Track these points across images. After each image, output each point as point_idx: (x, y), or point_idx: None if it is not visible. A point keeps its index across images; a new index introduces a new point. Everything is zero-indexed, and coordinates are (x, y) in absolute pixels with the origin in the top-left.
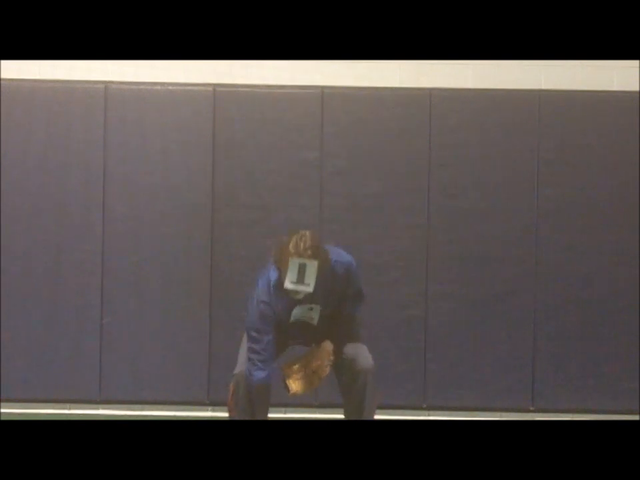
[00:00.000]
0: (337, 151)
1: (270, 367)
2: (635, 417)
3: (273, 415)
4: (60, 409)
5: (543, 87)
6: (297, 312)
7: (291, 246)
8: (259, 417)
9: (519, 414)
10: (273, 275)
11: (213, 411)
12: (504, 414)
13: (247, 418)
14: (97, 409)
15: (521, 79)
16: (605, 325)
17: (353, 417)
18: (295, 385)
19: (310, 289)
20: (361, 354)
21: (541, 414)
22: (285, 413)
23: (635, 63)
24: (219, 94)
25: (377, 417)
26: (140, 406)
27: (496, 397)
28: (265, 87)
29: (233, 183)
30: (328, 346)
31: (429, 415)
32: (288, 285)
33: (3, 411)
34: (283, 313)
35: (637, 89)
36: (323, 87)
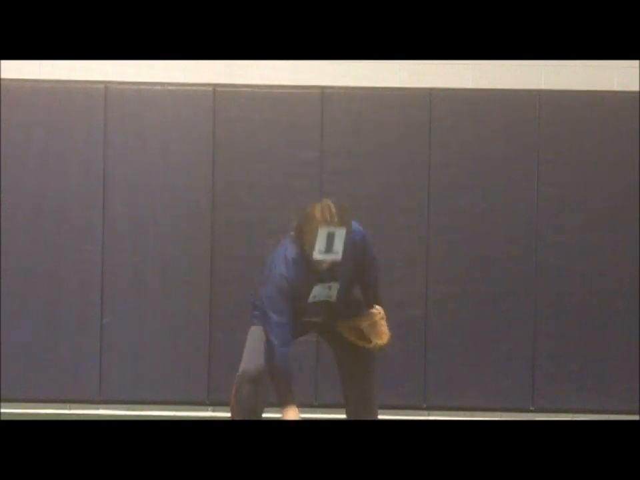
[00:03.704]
0: (337, 150)
1: (288, 348)
2: (635, 417)
3: (273, 415)
4: (60, 409)
5: (543, 87)
6: (316, 290)
7: (318, 214)
8: (259, 417)
9: (519, 414)
10: (291, 249)
11: (213, 410)
12: (504, 414)
13: (247, 418)
14: (97, 409)
15: (520, 79)
16: (605, 325)
17: (361, 407)
18: (376, 338)
19: (339, 256)
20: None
21: (540, 414)
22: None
23: (634, 62)
24: (218, 94)
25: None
26: (140, 406)
27: (496, 397)
28: (265, 87)
29: (232, 183)
30: (372, 310)
31: (428, 415)
32: (317, 255)
33: (2, 411)
34: (302, 289)
35: (637, 89)
36: (323, 87)
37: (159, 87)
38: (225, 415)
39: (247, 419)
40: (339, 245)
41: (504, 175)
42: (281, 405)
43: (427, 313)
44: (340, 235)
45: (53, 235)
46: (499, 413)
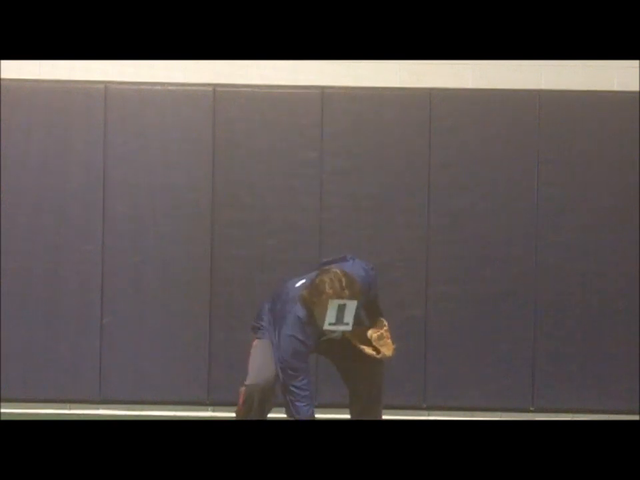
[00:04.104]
0: (337, 150)
1: (313, 402)
2: (635, 417)
3: (273, 415)
4: (60, 409)
5: (543, 87)
6: (327, 334)
7: (327, 288)
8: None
9: (519, 414)
10: (301, 311)
11: (213, 410)
12: (504, 414)
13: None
14: (97, 409)
15: (520, 79)
16: (605, 325)
17: (367, 409)
18: (384, 349)
19: (349, 327)
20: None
21: (540, 414)
22: (285, 412)
23: (634, 62)
24: (218, 94)
25: None
26: (140, 406)
27: (496, 397)
28: (265, 87)
29: (232, 183)
30: (379, 320)
31: (428, 415)
32: (327, 326)
33: (2, 411)
34: (313, 345)
35: (637, 89)
36: (323, 87)
37: (158, 87)
38: (225, 415)
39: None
40: (349, 317)
41: (504, 175)
42: None
43: (427, 312)
44: (351, 307)
45: (52, 235)
46: (499, 413)
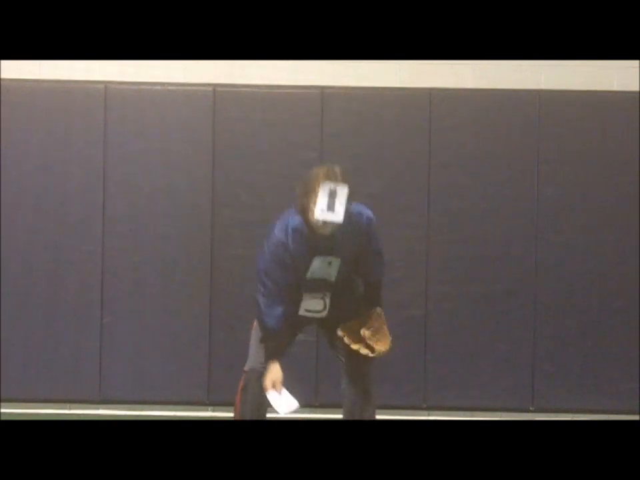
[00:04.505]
0: (337, 150)
1: (279, 309)
2: (635, 417)
3: (273, 415)
4: (60, 409)
5: (543, 87)
6: (315, 265)
7: (320, 172)
8: (263, 410)
9: (519, 414)
10: (292, 219)
11: (213, 410)
12: (504, 414)
13: (252, 416)
14: (97, 409)
15: (520, 79)
16: (605, 325)
17: (356, 408)
18: (379, 345)
19: (340, 218)
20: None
21: (540, 414)
22: None
23: (634, 62)
24: (218, 94)
25: (377, 416)
26: (140, 406)
27: (496, 397)
28: (265, 87)
29: (232, 183)
30: (378, 310)
31: (428, 415)
32: (318, 214)
33: (2, 411)
34: (300, 260)
35: (637, 89)
36: (322, 87)
37: (158, 87)
38: (225, 415)
39: (252, 415)
40: (340, 206)
41: (504, 175)
42: (266, 360)
43: (427, 312)
44: (342, 193)
45: (52, 235)
46: (498, 413)
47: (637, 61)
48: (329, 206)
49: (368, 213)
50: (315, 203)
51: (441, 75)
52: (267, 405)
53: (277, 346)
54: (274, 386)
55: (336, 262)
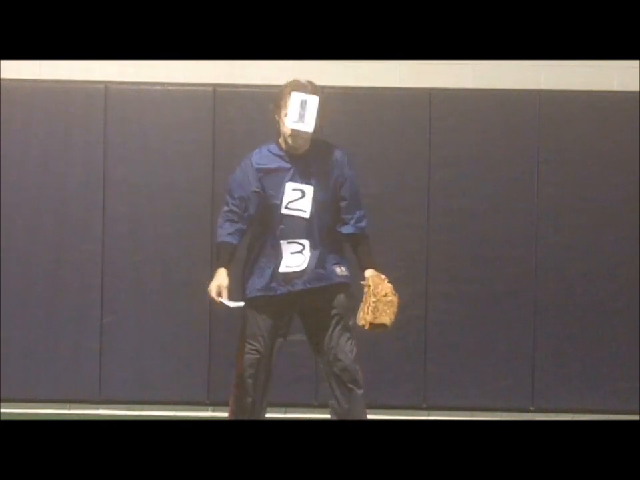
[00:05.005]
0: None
1: (235, 225)
2: (635, 417)
3: (273, 415)
4: (60, 409)
5: (543, 87)
6: (288, 194)
7: (290, 84)
8: (259, 401)
9: (519, 414)
10: (270, 145)
11: (213, 410)
12: (504, 414)
13: (249, 402)
14: (97, 409)
15: (520, 79)
16: (605, 325)
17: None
18: (384, 317)
19: (310, 128)
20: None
21: (540, 414)
22: (285, 412)
23: (634, 62)
24: (219, 94)
25: (377, 417)
26: (140, 406)
27: (496, 397)
28: (264, 87)
29: None
30: (371, 272)
31: (428, 415)
32: (290, 124)
33: (3, 411)
34: (272, 184)
35: (637, 89)
36: (322, 87)
37: (158, 87)
38: (225, 415)
39: (244, 404)
40: (310, 117)
41: (504, 175)
42: (216, 267)
43: (427, 313)
44: (312, 104)
45: (52, 235)
46: (498, 413)
47: (637, 61)
48: (300, 116)
49: (341, 150)
50: (285, 115)
51: (441, 75)
52: (261, 398)
53: (228, 256)
54: (219, 293)
55: (309, 190)
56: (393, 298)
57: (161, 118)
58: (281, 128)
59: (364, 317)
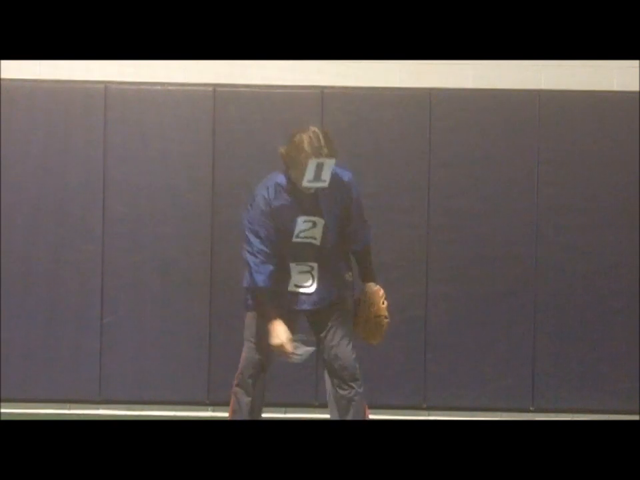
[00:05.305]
0: (336, 150)
1: (269, 266)
2: (635, 417)
3: (272, 415)
4: (60, 409)
5: (543, 87)
6: (300, 225)
7: (306, 145)
8: (257, 401)
9: (519, 414)
10: (275, 177)
11: (213, 410)
12: (504, 414)
13: (247, 402)
14: (97, 409)
15: (520, 79)
16: (605, 325)
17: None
18: (372, 339)
19: (326, 184)
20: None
21: (541, 414)
22: (284, 413)
23: (634, 62)
24: (219, 94)
25: (377, 417)
26: (140, 406)
27: (496, 397)
28: (264, 87)
29: (233, 183)
30: (372, 287)
31: (428, 415)
32: (305, 183)
33: (3, 411)
34: (284, 218)
35: (637, 89)
36: (322, 87)
37: (158, 87)
38: (225, 415)
39: (247, 406)
40: (326, 174)
41: (504, 175)
42: (268, 321)
43: (427, 312)
44: (329, 164)
45: (52, 235)
46: (499, 413)
47: (637, 61)
48: (316, 177)
49: (348, 172)
50: (301, 173)
51: (441, 75)
52: (260, 399)
53: (270, 300)
54: (284, 349)
55: (320, 222)
56: (384, 321)
57: (161, 118)
58: (293, 175)
59: (355, 329)
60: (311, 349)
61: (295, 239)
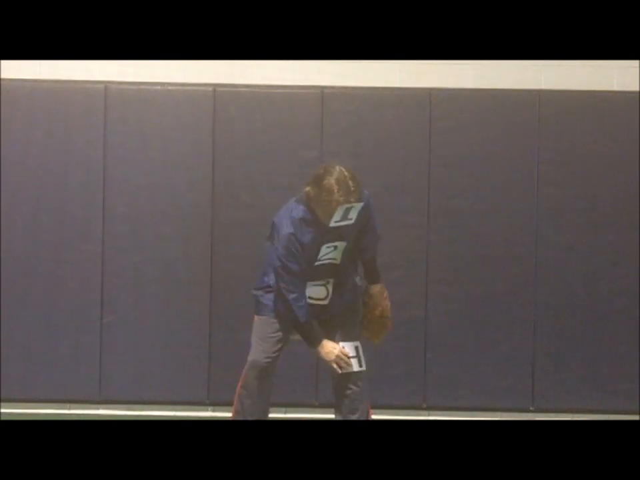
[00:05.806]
0: (336, 150)
1: (305, 301)
2: (635, 417)
3: (272, 415)
4: (60, 409)
5: (543, 87)
6: (323, 251)
7: (336, 193)
8: (262, 404)
9: (519, 414)
10: (298, 210)
11: (213, 410)
12: (504, 414)
13: (250, 403)
14: (97, 409)
15: (520, 79)
16: (605, 325)
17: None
18: (374, 338)
19: (352, 221)
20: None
21: (541, 414)
22: (285, 413)
23: (634, 62)
24: (219, 94)
25: (377, 417)
26: (140, 406)
27: (496, 397)
28: (264, 87)
29: (232, 183)
30: (376, 289)
31: (428, 415)
32: (333, 224)
33: (3, 411)
34: (310, 250)
35: (637, 89)
36: (322, 87)
37: (158, 87)
38: (225, 414)
39: (250, 408)
40: (354, 214)
41: (504, 174)
42: (315, 345)
43: (427, 313)
44: (356, 207)
45: (52, 235)
46: (499, 413)
47: (637, 61)
48: (343, 218)
49: (365, 192)
50: (329, 215)
51: (441, 75)
52: (266, 400)
53: (316, 330)
54: (341, 361)
55: (342, 245)
56: (387, 321)
57: (161, 118)
58: (319, 211)
59: (359, 329)
60: (355, 342)
61: (316, 263)
